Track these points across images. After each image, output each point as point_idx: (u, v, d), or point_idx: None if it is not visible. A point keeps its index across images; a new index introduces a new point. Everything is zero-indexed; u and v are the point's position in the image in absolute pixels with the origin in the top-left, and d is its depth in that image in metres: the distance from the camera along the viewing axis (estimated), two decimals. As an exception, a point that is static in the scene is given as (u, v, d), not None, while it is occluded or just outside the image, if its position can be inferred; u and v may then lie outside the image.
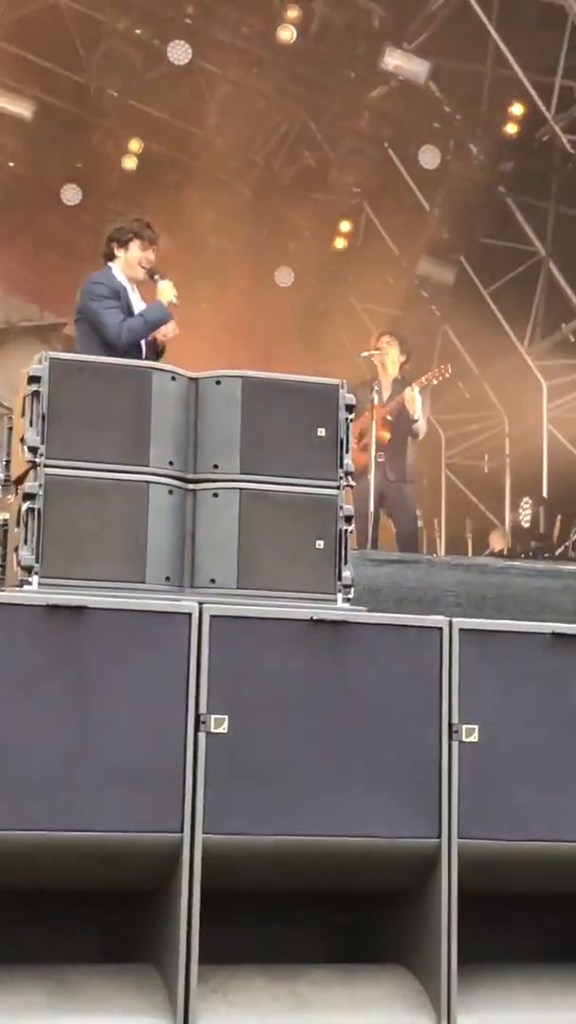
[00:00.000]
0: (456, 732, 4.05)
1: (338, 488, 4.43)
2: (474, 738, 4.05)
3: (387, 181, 14.03)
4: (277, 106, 13.69)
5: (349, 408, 4.48)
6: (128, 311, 6.44)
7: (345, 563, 4.40)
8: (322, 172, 14.11)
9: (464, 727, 4.05)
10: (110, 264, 6.67)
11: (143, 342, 6.41)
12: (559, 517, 14.05)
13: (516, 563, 6.92)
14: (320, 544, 4.39)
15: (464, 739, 4.05)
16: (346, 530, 4.43)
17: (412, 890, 4.05)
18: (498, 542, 14.48)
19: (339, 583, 4.38)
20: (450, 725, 4.05)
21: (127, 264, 6.65)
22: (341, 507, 4.43)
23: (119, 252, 6.68)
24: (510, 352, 15.26)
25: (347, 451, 4.46)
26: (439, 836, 4.00)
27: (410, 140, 13.55)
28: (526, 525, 14.33)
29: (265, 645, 3.98)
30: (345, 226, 15.07)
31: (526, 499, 14.56)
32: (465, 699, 4.07)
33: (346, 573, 4.40)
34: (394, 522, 8.95)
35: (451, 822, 4.00)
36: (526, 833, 4.07)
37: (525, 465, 15.81)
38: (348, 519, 4.45)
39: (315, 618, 4.03)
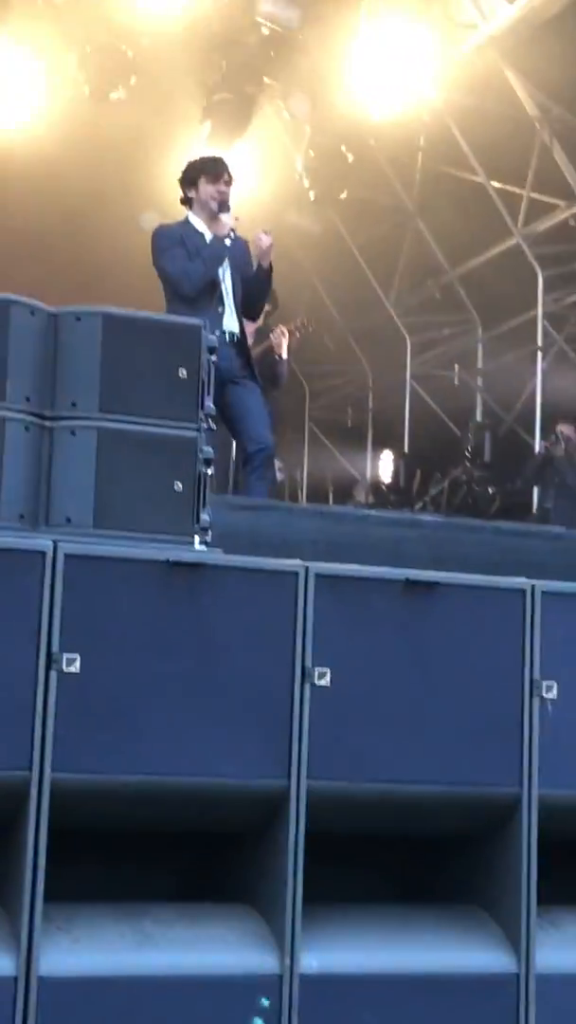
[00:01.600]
0: (308, 676, 4.07)
1: (198, 430, 4.41)
2: (325, 682, 4.08)
3: (256, 129, 13.95)
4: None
5: (211, 350, 4.46)
6: None
7: (203, 506, 4.39)
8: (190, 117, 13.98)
9: (316, 670, 4.07)
10: (188, 212, 6.45)
11: (225, 286, 6.23)
12: (419, 472, 14.24)
13: (374, 512, 6.99)
14: (179, 486, 4.37)
15: (316, 682, 4.07)
16: (205, 472, 4.42)
17: (261, 831, 4.07)
18: (361, 495, 14.62)
19: (197, 526, 4.37)
20: (303, 668, 4.07)
21: (199, 204, 6.42)
22: (201, 449, 4.41)
23: (191, 194, 6.44)
24: (376, 306, 15.36)
25: (208, 393, 4.44)
26: (288, 777, 4.03)
27: (282, 89, 13.49)
28: (387, 479, 14.47)
29: (120, 585, 3.95)
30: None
31: (387, 453, 14.71)
32: (319, 643, 4.09)
33: (204, 516, 4.39)
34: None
35: (300, 764, 4.03)
36: (373, 775, 4.12)
37: (387, 419, 15.96)
38: (208, 462, 4.43)
39: (171, 560, 4.02)
